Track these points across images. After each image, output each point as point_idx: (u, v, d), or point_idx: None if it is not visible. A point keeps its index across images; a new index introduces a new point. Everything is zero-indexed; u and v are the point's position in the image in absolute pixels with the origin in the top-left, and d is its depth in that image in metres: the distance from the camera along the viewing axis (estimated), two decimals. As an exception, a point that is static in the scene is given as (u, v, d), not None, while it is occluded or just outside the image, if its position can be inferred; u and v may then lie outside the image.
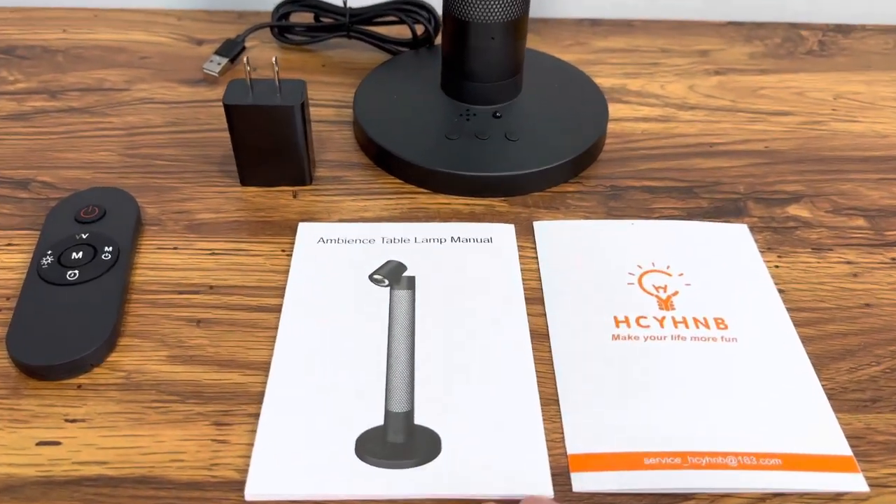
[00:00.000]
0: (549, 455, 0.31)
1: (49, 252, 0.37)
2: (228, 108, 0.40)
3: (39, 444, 0.31)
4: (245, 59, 0.40)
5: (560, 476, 0.30)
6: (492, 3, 0.42)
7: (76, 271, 0.36)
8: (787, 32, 0.59)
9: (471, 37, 0.44)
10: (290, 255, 0.39)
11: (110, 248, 0.37)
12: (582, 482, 0.30)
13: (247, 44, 0.55)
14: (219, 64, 0.52)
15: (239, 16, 0.60)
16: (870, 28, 0.60)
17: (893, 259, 0.40)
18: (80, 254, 0.37)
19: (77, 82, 0.52)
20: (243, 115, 0.40)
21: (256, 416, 0.32)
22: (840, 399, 0.33)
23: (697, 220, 0.42)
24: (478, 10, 0.42)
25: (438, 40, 0.54)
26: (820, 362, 0.35)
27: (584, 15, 0.60)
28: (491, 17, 0.43)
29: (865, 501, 0.30)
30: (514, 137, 0.44)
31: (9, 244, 0.40)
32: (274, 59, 0.40)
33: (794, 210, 0.43)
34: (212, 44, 0.56)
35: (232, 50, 0.53)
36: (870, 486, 0.30)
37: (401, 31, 0.55)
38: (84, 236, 0.38)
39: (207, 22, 0.59)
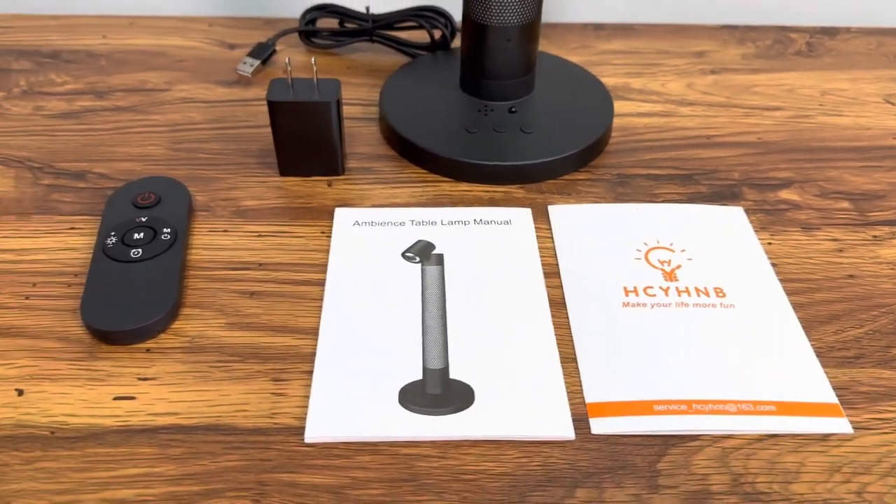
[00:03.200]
0: (570, 404, 0.35)
1: (113, 233, 0.41)
2: (272, 104, 0.44)
3: (116, 398, 0.35)
4: (287, 59, 0.44)
5: (580, 421, 0.34)
6: (508, 8, 0.46)
7: (139, 250, 0.40)
8: (777, 35, 0.64)
9: (489, 39, 0.48)
10: (329, 237, 0.43)
11: (168, 230, 0.41)
12: (599, 426, 0.34)
13: (276, 47, 0.59)
14: (251, 66, 0.57)
15: (265, 22, 0.64)
16: (854, 30, 0.65)
17: (875, 237, 0.44)
18: (142, 235, 0.41)
19: (121, 83, 0.56)
20: (284, 111, 0.44)
21: (309, 373, 0.35)
22: (827, 356, 0.37)
23: (698, 203, 0.46)
24: (496, 14, 0.47)
25: (455, 44, 0.58)
26: (809, 325, 0.39)
27: (588, 20, 0.65)
28: (507, 21, 0.47)
29: (850, 441, 0.34)
30: (528, 130, 0.49)
31: (72, 228, 0.43)
32: (312, 59, 0.45)
33: (784, 194, 0.47)
34: (242, 48, 0.60)
35: (263, 53, 0.57)
36: (854, 429, 0.34)
37: (419, 36, 0.59)
38: (143, 219, 0.42)
39: (236, 28, 0.63)
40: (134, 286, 0.38)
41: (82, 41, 0.61)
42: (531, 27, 0.48)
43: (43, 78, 0.57)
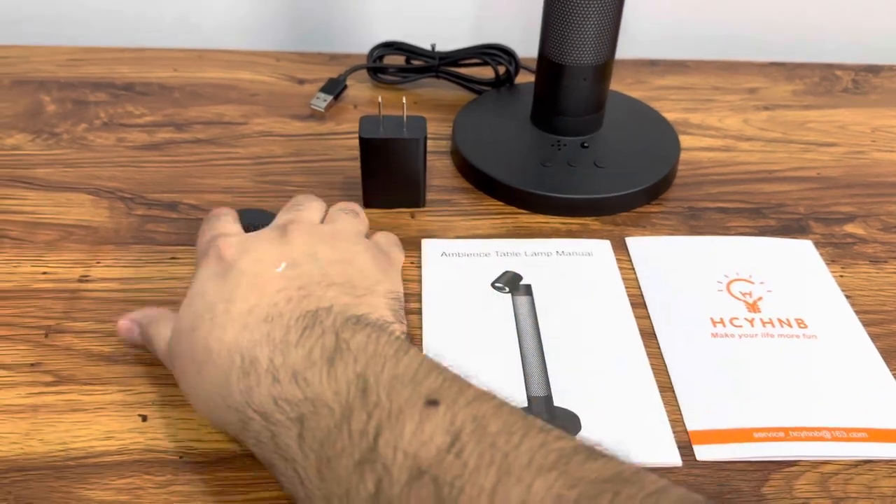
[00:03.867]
0: (673, 431, 0.36)
1: (217, 264, 0.42)
2: (364, 141, 0.46)
3: (238, 424, 0.36)
4: (379, 98, 0.46)
5: (684, 448, 0.36)
6: (585, 48, 0.49)
7: (246, 280, 0.42)
8: (823, 72, 0.66)
9: (565, 78, 0.50)
10: (419, 267, 0.45)
11: (271, 261, 0.43)
12: (704, 453, 0.35)
13: (346, 83, 0.61)
14: (324, 101, 0.59)
15: (331, 58, 0.66)
16: (896, 68, 0.67)
17: (941, 269, 0.46)
18: (246, 265, 0.42)
19: (198, 116, 0.58)
20: (375, 147, 0.46)
21: (420, 400, 0.37)
22: (909, 385, 0.39)
23: (769, 236, 0.48)
24: (573, 55, 0.49)
25: (518, 80, 0.60)
26: (888, 355, 0.41)
27: (641, 56, 0.67)
28: (584, 61, 0.49)
29: (941, 468, 0.35)
30: (602, 164, 0.51)
31: (172, 258, 0.45)
32: (403, 99, 0.47)
33: (850, 228, 0.49)
34: (311, 83, 0.62)
35: (335, 88, 0.60)
36: (942, 455, 0.36)
37: (481, 72, 0.61)
38: (246, 250, 0.43)
39: (303, 63, 0.65)
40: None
41: (154, 74, 0.63)
42: (606, 66, 0.50)
43: (121, 110, 0.59)
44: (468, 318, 0.42)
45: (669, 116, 0.59)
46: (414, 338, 0.40)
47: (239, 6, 0.70)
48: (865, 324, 0.42)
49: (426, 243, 0.47)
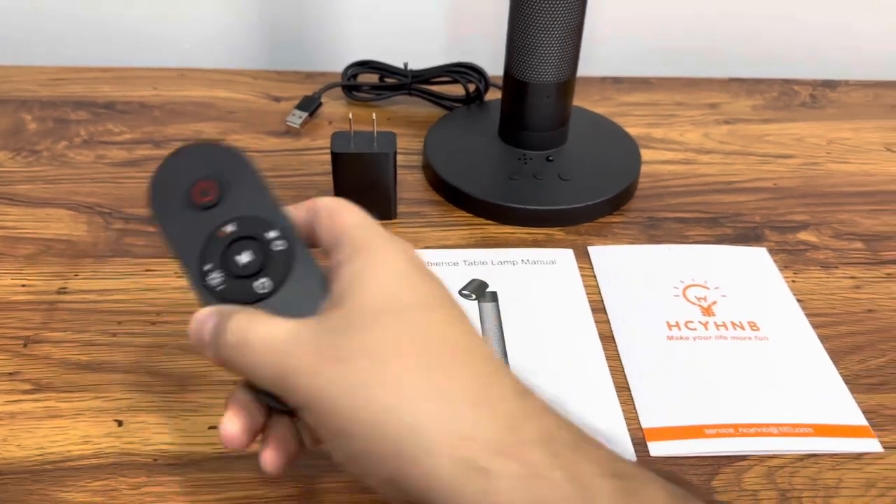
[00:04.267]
0: (628, 429, 0.38)
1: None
2: (335, 155, 0.48)
3: (211, 427, 0.37)
4: (350, 115, 0.48)
5: (638, 445, 0.37)
6: (548, 67, 0.51)
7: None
8: (782, 87, 0.69)
9: (529, 95, 0.52)
10: (390, 277, 0.46)
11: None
12: (658, 449, 0.37)
13: (321, 100, 0.63)
14: (300, 118, 0.60)
15: (306, 76, 0.68)
16: (852, 83, 0.70)
17: (888, 274, 0.48)
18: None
19: (177, 133, 0.60)
20: (346, 161, 0.48)
21: (387, 402, 0.39)
22: (855, 383, 0.41)
23: (725, 244, 0.50)
24: (536, 73, 0.51)
25: (487, 97, 0.62)
26: (836, 355, 0.43)
27: (607, 73, 0.69)
28: (547, 79, 0.51)
29: (882, 459, 0.37)
30: (566, 177, 0.53)
31: (147, 270, 0.46)
32: (373, 115, 0.49)
33: (802, 236, 0.51)
34: (287, 100, 0.64)
35: (310, 105, 0.61)
36: (884, 448, 0.38)
37: (452, 90, 0.63)
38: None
39: (279, 81, 0.67)
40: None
41: (135, 92, 0.65)
42: (568, 84, 0.52)
43: (101, 128, 0.60)
44: (435, 325, 0.43)
45: (633, 131, 0.61)
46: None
47: (218, 26, 0.72)
48: (815, 326, 0.44)
49: (396, 254, 0.48)
